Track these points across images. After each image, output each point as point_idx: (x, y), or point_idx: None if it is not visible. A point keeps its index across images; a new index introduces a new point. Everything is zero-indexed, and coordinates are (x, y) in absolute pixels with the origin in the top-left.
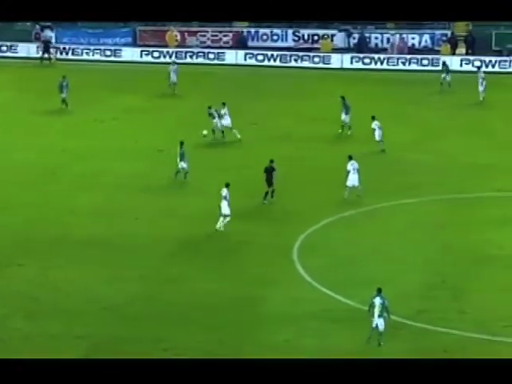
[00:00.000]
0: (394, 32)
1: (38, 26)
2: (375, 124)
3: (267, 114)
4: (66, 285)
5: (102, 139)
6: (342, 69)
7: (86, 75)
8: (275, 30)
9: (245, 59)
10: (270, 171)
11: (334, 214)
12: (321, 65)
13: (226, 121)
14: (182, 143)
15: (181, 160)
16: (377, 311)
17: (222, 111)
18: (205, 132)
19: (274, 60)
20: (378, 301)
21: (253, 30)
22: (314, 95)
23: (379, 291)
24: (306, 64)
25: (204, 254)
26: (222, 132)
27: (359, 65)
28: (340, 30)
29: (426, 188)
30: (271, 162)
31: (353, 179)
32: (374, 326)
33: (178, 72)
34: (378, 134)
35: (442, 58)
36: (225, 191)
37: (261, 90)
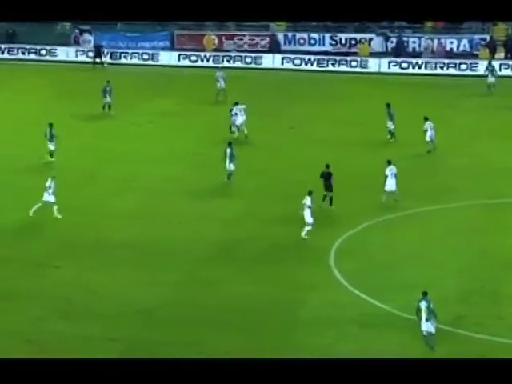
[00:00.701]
0: (427, 36)
1: (77, 30)
2: (428, 124)
3: (304, 118)
4: (101, 287)
5: (139, 142)
6: (379, 73)
7: (124, 79)
8: (312, 35)
9: (282, 63)
10: (327, 176)
11: (371, 218)
12: (358, 69)
13: (239, 120)
14: (230, 144)
15: (230, 162)
16: (424, 315)
17: (236, 111)
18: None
19: (311, 64)
20: (423, 304)
21: (290, 34)
22: (351, 99)
23: (425, 294)
24: (343, 68)
25: (240, 257)
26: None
27: (397, 69)
28: (378, 35)
29: (463, 192)
30: (327, 166)
31: (390, 184)
32: (423, 330)
33: (225, 78)
34: (429, 135)
35: (483, 61)
36: (308, 200)
37: (298, 94)
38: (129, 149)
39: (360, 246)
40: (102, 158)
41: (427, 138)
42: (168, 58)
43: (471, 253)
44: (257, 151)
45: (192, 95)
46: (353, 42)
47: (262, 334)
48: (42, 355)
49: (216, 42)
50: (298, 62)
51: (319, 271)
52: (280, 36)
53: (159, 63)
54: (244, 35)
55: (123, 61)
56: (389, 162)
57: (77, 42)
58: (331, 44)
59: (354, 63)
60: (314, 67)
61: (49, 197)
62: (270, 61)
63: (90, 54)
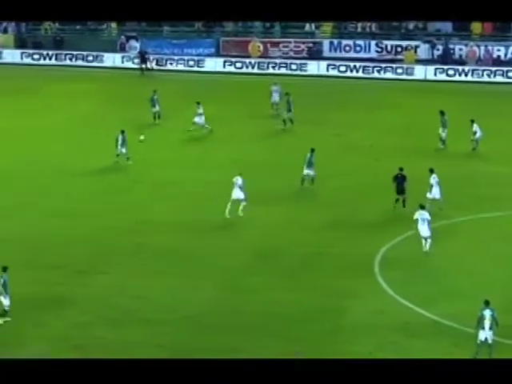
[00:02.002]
0: (472, 43)
1: (123, 37)
2: (476, 126)
3: (350, 125)
4: (147, 293)
5: (183, 148)
6: (425, 80)
7: (170, 85)
8: (358, 41)
9: (327, 70)
10: (400, 179)
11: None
12: (404, 76)
13: (201, 119)
14: (312, 150)
15: (308, 167)
16: (488, 323)
17: (199, 110)
18: (142, 137)
19: (357, 71)
20: (488, 313)
21: (335, 41)
22: (396, 107)
23: (487, 303)
24: (388, 75)
25: (283, 264)
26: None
27: (443, 76)
28: (424, 42)
29: (507, 201)
30: (400, 169)
31: (434, 192)
32: (482, 339)
33: (280, 92)
34: (478, 135)
35: None
36: (425, 214)
37: (343, 101)
38: (172, 154)
39: (405, 254)
40: (146, 163)
41: (476, 137)
42: (213, 64)
43: None
44: (298, 158)
45: (237, 102)
46: (398, 49)
47: (303, 341)
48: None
49: (261, 48)
50: (343, 68)
51: (363, 279)
52: (325, 43)
53: (204, 70)
54: (289, 42)
55: (169, 67)
56: (431, 171)
57: (123, 49)
58: (377, 51)
59: (399, 70)
60: (360, 74)
61: (239, 194)
62: (315, 67)
63: (136, 60)
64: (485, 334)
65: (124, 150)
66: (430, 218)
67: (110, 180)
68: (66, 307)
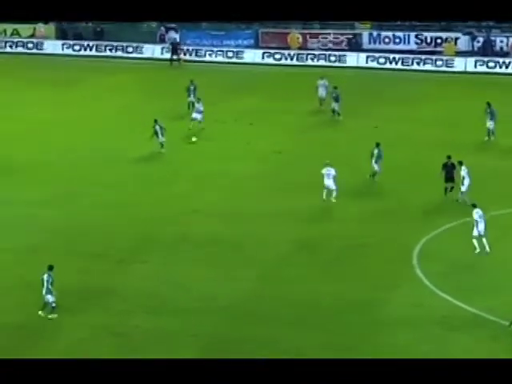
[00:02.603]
0: None
1: (162, 28)
2: None
3: (389, 117)
4: (186, 282)
5: (223, 140)
6: (465, 72)
7: (209, 76)
8: (397, 33)
9: (366, 62)
10: (449, 167)
11: (454, 219)
12: (444, 68)
13: (199, 116)
14: (378, 144)
15: (376, 162)
16: None
17: (200, 108)
18: (194, 139)
19: (396, 63)
20: None
21: (375, 33)
22: (436, 99)
23: None
24: (428, 67)
25: (322, 256)
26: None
27: (483, 68)
28: (464, 34)
29: None
30: (448, 157)
31: (467, 184)
32: None
33: (327, 87)
34: None
35: None
36: (479, 212)
37: (382, 93)
38: (212, 146)
39: (443, 247)
40: (186, 155)
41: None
42: (252, 56)
43: None
44: (337, 149)
45: (276, 93)
46: (438, 40)
47: (340, 332)
48: (126, 351)
49: (300, 40)
50: (382, 60)
51: (402, 271)
52: (365, 34)
53: (243, 61)
54: (328, 33)
55: (208, 58)
56: (460, 163)
57: (162, 40)
58: (416, 43)
59: (439, 62)
60: (399, 66)
61: (331, 184)
62: (354, 59)
63: (164, 50)
64: None
65: (163, 138)
66: (483, 214)
67: (151, 170)
68: (107, 295)
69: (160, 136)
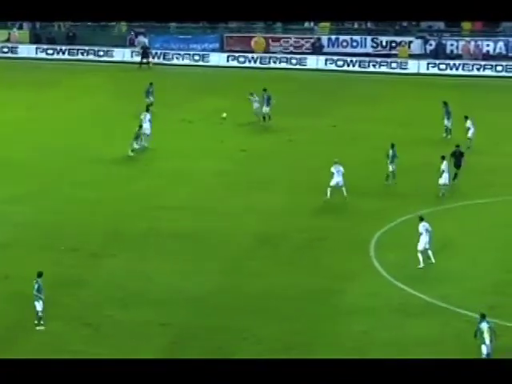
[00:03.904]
0: (468, 39)
1: (132, 33)
2: (470, 123)
3: (346, 116)
4: (154, 275)
5: (189, 139)
6: (418, 74)
7: (176, 78)
8: (355, 37)
9: (325, 64)
10: (457, 155)
11: (409, 212)
12: (398, 70)
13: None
14: (393, 145)
15: (391, 162)
16: (487, 337)
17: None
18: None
19: (353, 65)
20: (485, 326)
21: (333, 37)
22: (391, 99)
23: (483, 316)
24: (383, 69)
25: (282, 249)
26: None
27: (435, 70)
28: (417, 37)
29: (500, 188)
30: (457, 146)
31: (445, 177)
32: (485, 353)
33: (258, 101)
34: (471, 132)
35: None
36: (426, 225)
37: (340, 94)
38: (179, 145)
39: (399, 238)
40: (154, 152)
41: (469, 135)
42: (217, 59)
43: (507, 246)
44: (298, 148)
45: (239, 94)
46: (393, 44)
47: (302, 321)
48: (99, 340)
49: (263, 44)
50: (340, 63)
51: (359, 262)
52: (324, 38)
53: (209, 64)
54: (290, 38)
55: (175, 61)
56: (443, 158)
57: (132, 44)
58: (372, 46)
59: (394, 65)
60: (356, 68)
61: (339, 180)
62: (314, 62)
63: (134, 53)
64: (487, 349)
65: (138, 144)
66: (430, 226)
67: (121, 168)
68: (79, 288)
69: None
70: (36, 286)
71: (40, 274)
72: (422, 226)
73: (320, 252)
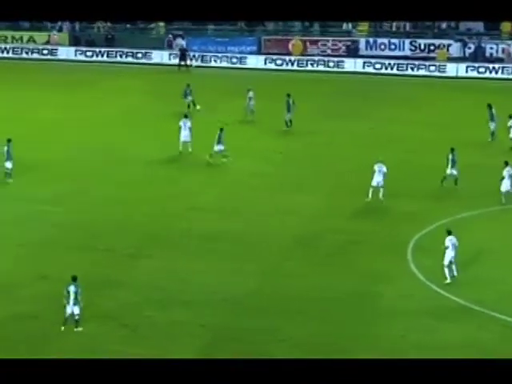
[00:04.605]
0: (510, 42)
1: (170, 35)
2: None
3: (383, 119)
4: (191, 276)
5: (226, 140)
6: (457, 77)
7: (214, 81)
8: (393, 40)
9: (363, 67)
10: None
11: (448, 215)
12: (436, 73)
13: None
14: (452, 149)
15: (452, 166)
16: None
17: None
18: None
19: (391, 68)
20: None
21: (371, 40)
22: (429, 102)
23: None
24: (422, 72)
25: (320, 251)
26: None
27: (474, 73)
28: (456, 41)
29: None
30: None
31: (506, 185)
32: None
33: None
34: None
35: None
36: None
37: (378, 97)
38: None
39: (437, 242)
40: (191, 154)
41: (511, 135)
42: (255, 61)
43: None
44: (335, 150)
45: (276, 97)
46: (431, 47)
47: (339, 322)
48: (137, 340)
49: (301, 47)
50: (378, 66)
51: (396, 265)
52: (362, 41)
53: (247, 66)
54: (327, 40)
55: (213, 64)
56: (506, 163)
57: (170, 46)
58: (411, 49)
59: (432, 68)
60: (394, 71)
61: (380, 180)
62: (351, 65)
63: (171, 56)
64: None
65: (221, 148)
66: (457, 241)
67: (157, 169)
68: (116, 288)
69: (216, 145)
70: (76, 290)
71: (75, 278)
72: (449, 240)
73: (357, 254)
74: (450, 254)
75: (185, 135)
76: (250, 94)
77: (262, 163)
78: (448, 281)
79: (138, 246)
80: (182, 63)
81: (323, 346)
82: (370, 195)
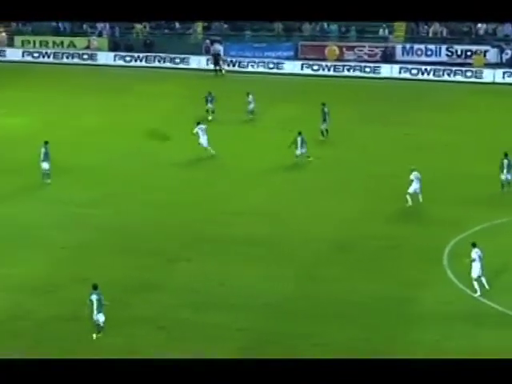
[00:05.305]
0: None
1: (208, 41)
2: None
3: (420, 125)
4: (228, 280)
5: (263, 145)
6: (494, 83)
7: (251, 86)
8: (429, 46)
9: (399, 73)
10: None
11: (485, 221)
12: (473, 79)
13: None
14: (506, 154)
15: (508, 172)
16: None
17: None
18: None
19: (428, 74)
20: None
21: (408, 45)
22: (465, 108)
23: None
24: (458, 78)
25: (356, 256)
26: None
27: (511, 79)
28: (493, 46)
29: None
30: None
31: None
32: None
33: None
34: None
35: None
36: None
37: (414, 103)
38: (252, 151)
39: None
40: (228, 158)
41: None
42: (292, 67)
43: None
44: (371, 155)
45: (312, 102)
46: (468, 53)
47: (375, 328)
48: (174, 342)
49: (337, 52)
50: (414, 71)
51: (433, 271)
52: (398, 47)
53: (283, 72)
54: (364, 46)
55: (250, 69)
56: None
57: (207, 52)
58: (447, 55)
59: (469, 73)
60: (430, 77)
61: (417, 188)
62: (387, 70)
63: (209, 61)
64: None
65: (303, 150)
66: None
67: (195, 173)
68: (154, 291)
69: (299, 148)
70: (98, 298)
71: (96, 287)
72: (475, 253)
73: (393, 259)
74: (477, 267)
75: (202, 141)
76: (250, 97)
77: (298, 168)
78: (478, 293)
79: (176, 250)
80: (217, 68)
81: (360, 350)
82: (410, 202)
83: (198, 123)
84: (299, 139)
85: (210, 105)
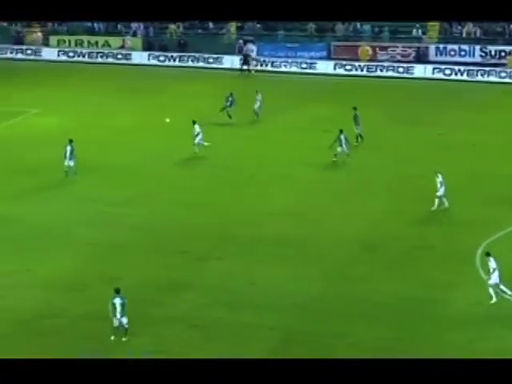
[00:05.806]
0: None
1: (241, 41)
2: None
3: (453, 125)
4: (259, 280)
5: (294, 145)
6: None
7: (284, 86)
8: (463, 46)
9: (433, 73)
10: None
11: None
12: (507, 80)
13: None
14: None
15: None
16: None
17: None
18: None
19: (461, 74)
20: None
21: (441, 46)
22: (499, 108)
23: None
24: (492, 79)
25: (385, 256)
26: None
27: None
28: None
29: None
30: None
31: None
32: None
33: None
34: None
35: None
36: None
37: (448, 103)
38: (283, 151)
39: (506, 249)
40: (259, 159)
41: None
42: (325, 67)
43: None
44: (405, 157)
45: (345, 102)
46: (502, 53)
47: (405, 328)
48: (207, 341)
49: (370, 52)
50: (448, 72)
51: (465, 272)
52: (431, 47)
53: (316, 72)
54: (397, 46)
55: (283, 69)
56: None
57: (241, 52)
58: (481, 55)
59: (503, 74)
60: (464, 77)
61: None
62: (421, 71)
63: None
64: None
65: (345, 148)
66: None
67: (226, 176)
68: (186, 290)
69: (344, 146)
70: (122, 302)
71: (118, 290)
72: (493, 261)
73: (423, 260)
74: (495, 275)
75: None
76: (259, 96)
77: (328, 169)
78: (494, 300)
79: (207, 249)
80: (245, 67)
81: (389, 350)
82: (437, 204)
83: (194, 122)
84: (342, 137)
85: (228, 107)
